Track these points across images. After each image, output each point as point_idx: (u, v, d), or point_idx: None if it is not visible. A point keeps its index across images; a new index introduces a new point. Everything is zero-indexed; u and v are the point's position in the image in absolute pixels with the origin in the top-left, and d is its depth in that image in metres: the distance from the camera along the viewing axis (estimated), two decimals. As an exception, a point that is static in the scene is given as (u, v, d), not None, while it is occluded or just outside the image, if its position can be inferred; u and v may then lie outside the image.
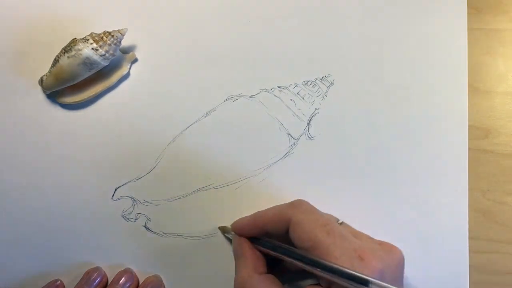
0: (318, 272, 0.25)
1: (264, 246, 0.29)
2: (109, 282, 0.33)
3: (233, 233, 0.32)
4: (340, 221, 0.30)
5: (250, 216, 0.31)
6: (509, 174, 0.33)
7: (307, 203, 0.28)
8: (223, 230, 0.33)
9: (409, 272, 0.31)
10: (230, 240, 0.33)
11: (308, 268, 0.26)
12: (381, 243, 0.29)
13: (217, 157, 0.34)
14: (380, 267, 0.25)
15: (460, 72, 0.34)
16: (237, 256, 0.30)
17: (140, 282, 0.33)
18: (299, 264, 0.26)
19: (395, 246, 0.28)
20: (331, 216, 0.30)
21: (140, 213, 0.34)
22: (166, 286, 0.33)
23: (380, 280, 0.24)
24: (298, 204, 0.28)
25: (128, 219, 0.34)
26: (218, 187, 0.34)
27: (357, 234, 0.29)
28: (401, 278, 0.27)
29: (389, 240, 0.29)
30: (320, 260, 0.25)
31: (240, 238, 0.31)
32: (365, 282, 0.23)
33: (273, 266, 0.30)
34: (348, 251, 0.25)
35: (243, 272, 0.29)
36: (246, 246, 0.30)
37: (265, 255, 0.30)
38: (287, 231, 0.28)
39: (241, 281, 0.28)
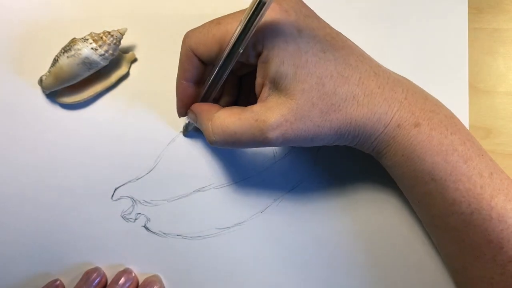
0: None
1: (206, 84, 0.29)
2: (108, 282, 0.33)
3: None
4: None
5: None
6: (510, 174, 0.33)
7: None
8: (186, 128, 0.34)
9: None
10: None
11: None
12: None
13: (217, 157, 0.34)
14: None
15: (461, 72, 0.34)
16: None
17: (140, 282, 0.33)
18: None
19: None
20: None
21: (139, 213, 0.34)
22: (166, 286, 0.33)
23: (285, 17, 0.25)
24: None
25: (127, 219, 0.34)
26: (218, 187, 0.34)
27: None
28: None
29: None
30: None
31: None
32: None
33: None
34: None
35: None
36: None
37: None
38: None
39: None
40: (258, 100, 0.27)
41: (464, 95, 0.34)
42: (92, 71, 0.33)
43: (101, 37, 0.33)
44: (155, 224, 0.34)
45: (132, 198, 0.34)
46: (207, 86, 0.29)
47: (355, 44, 0.28)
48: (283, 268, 0.33)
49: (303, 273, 0.33)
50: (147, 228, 0.34)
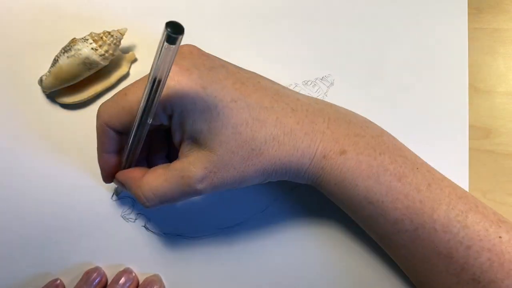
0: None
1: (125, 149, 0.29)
2: (109, 282, 0.33)
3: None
4: None
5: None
6: (510, 174, 0.33)
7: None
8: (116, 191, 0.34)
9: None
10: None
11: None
12: None
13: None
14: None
15: (461, 72, 0.34)
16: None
17: (140, 282, 0.33)
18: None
19: None
20: None
21: (139, 213, 0.34)
22: (166, 286, 0.33)
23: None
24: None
25: (127, 219, 0.34)
26: (218, 187, 0.34)
27: None
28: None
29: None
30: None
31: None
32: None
33: None
34: None
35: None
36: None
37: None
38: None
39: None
40: (179, 155, 0.27)
41: (464, 95, 0.34)
42: (92, 71, 0.33)
43: (101, 37, 0.33)
44: (155, 224, 0.34)
45: (132, 198, 0.34)
46: (126, 155, 0.29)
47: (270, 83, 0.28)
48: (283, 268, 0.33)
49: (303, 273, 0.33)
50: (147, 228, 0.34)
